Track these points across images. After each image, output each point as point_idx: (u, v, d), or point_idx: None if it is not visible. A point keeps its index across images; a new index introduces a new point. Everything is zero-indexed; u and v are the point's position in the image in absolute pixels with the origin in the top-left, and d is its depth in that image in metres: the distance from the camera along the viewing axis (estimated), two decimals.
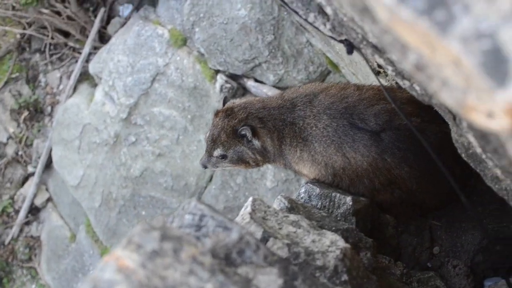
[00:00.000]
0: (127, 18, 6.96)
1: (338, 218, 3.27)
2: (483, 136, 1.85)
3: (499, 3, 1.14)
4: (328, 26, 2.47)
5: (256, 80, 5.94)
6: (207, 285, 1.72)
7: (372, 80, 3.79)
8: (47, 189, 7.76)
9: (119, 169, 6.76)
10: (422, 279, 3.34)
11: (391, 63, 2.27)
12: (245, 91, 6.04)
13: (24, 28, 7.56)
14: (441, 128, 3.12)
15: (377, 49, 2.25)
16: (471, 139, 2.19)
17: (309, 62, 5.69)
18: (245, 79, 5.99)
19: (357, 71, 4.52)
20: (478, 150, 2.29)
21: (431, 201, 3.51)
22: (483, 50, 1.14)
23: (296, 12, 2.48)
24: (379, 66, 3.57)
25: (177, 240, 1.82)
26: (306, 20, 2.46)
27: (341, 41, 2.49)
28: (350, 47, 2.47)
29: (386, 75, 3.80)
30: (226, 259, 2.01)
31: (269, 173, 5.85)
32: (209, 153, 3.70)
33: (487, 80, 1.14)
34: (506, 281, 3.10)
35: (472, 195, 3.54)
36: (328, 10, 2.36)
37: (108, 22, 7.31)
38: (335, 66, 5.56)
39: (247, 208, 2.70)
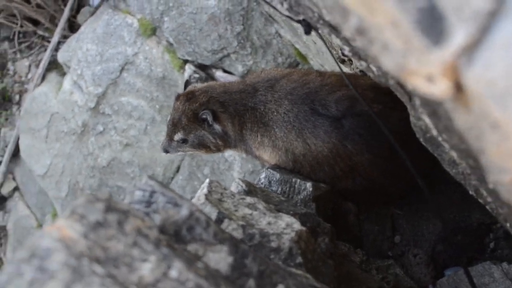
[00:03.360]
0: (97, 7, 6.89)
1: (298, 204, 3.25)
2: (434, 112, 1.83)
3: None
4: (286, 5, 2.45)
5: (225, 71, 5.91)
6: (151, 257, 1.70)
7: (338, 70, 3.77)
8: (14, 179, 7.68)
9: (86, 159, 6.70)
10: (381, 266, 3.33)
11: (347, 42, 2.25)
12: (213, 81, 6.00)
13: None
14: (403, 115, 3.11)
15: (333, 28, 2.23)
16: (426, 119, 2.18)
17: (278, 53, 5.66)
18: (213, 70, 5.95)
19: (324, 62, 4.51)
20: (434, 132, 2.28)
21: (393, 189, 3.49)
22: (419, 7, 1.12)
23: None
24: (344, 54, 3.55)
25: (122, 213, 1.79)
26: None
27: (298, 21, 2.46)
28: (308, 27, 2.45)
29: (351, 64, 3.78)
30: (175, 236, 1.99)
31: (236, 164, 5.82)
32: (170, 137, 3.66)
33: (423, 38, 1.13)
34: (464, 271, 3.09)
35: (436, 184, 3.54)
36: None
37: (78, 11, 7.23)
38: (304, 58, 5.54)
39: (203, 189, 2.68)
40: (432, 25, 1.11)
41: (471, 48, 1.10)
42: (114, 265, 1.63)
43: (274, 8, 2.47)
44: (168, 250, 1.75)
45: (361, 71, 3.59)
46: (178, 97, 3.66)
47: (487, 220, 3.42)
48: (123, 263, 1.65)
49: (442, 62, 1.13)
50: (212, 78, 6.00)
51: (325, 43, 2.80)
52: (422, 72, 1.21)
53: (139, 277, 1.63)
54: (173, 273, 1.68)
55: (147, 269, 1.66)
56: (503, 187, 1.34)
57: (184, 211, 2.03)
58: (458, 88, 1.19)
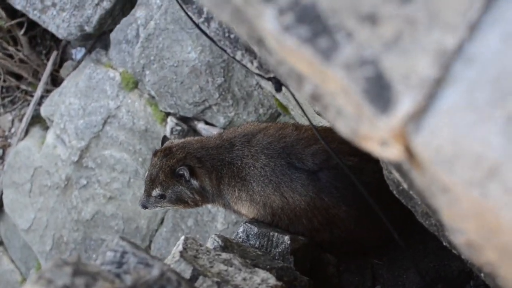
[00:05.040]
0: (80, 61, 6.94)
1: (276, 257, 3.25)
2: (399, 168, 1.86)
3: (381, 31, 1.15)
4: (255, 64, 2.48)
5: (207, 123, 5.94)
6: None
7: (318, 120, 3.80)
8: None
9: (70, 212, 6.69)
10: None
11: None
12: (195, 133, 6.02)
13: None
14: (378, 167, 3.13)
15: (300, 82, 2.26)
16: (395, 174, 2.20)
17: (259, 105, 5.70)
18: (195, 122, 5.98)
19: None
20: (405, 185, 2.30)
21: (371, 239, 3.50)
22: (366, 77, 1.14)
23: (224, 50, 2.49)
24: None
25: (91, 276, 1.79)
26: (233, 58, 2.47)
27: (269, 79, 2.50)
28: (278, 85, 2.48)
29: None
30: None
31: (220, 216, 5.82)
32: (148, 193, 3.68)
33: (371, 107, 1.15)
34: None
35: (414, 233, 3.54)
36: (255, 48, 2.37)
37: (60, 65, 7.27)
38: (285, 108, 5.58)
39: (178, 246, 2.69)
40: (379, 93, 1.13)
41: (418, 115, 1.13)
42: None
43: (245, 66, 2.51)
44: None
45: None
46: (155, 153, 3.69)
47: (467, 268, 3.42)
48: None
49: (391, 129, 1.15)
50: (194, 130, 6.03)
51: (297, 102, 2.83)
52: (375, 137, 1.23)
53: None
54: None
55: None
56: (461, 248, 1.36)
57: (155, 271, 2.03)
58: (410, 153, 1.21)
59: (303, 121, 4.62)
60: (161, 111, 6.11)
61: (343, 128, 1.34)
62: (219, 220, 5.87)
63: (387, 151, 1.25)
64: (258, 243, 3.34)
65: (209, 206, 5.71)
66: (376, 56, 1.14)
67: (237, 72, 5.69)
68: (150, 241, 6.35)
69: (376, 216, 3.05)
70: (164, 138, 3.88)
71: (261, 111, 5.72)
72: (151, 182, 3.64)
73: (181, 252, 2.60)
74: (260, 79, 5.44)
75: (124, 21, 6.27)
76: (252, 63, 2.49)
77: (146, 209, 3.79)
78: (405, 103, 1.12)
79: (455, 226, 1.28)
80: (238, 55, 2.48)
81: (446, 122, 1.11)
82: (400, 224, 3.10)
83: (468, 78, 1.10)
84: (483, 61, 1.10)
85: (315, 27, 1.17)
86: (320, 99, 1.35)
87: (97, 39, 6.80)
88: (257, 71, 2.49)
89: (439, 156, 1.13)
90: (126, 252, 2.10)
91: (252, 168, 3.42)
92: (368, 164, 3.23)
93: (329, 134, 3.23)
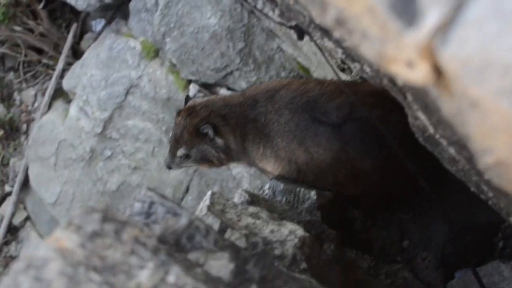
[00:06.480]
0: (100, 33, 6.93)
1: (303, 213, 3.25)
2: (425, 105, 1.84)
3: None
4: (277, 12, 2.46)
5: (229, 88, 5.92)
6: (148, 264, 1.70)
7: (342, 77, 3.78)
8: (25, 208, 7.68)
9: (96, 184, 6.71)
10: (390, 271, 3.32)
11: (339, 44, 2.26)
12: (214, 95, 6.02)
13: None
14: (403, 117, 3.10)
15: (324, 31, 2.24)
16: (421, 116, 2.18)
17: (281, 68, 5.67)
18: (218, 88, 5.97)
19: (326, 73, 4.51)
20: (431, 129, 2.28)
21: (397, 192, 3.48)
22: None
23: (245, 0, 2.47)
24: (343, 62, 3.56)
25: (119, 223, 1.79)
26: (254, 7, 2.45)
27: (291, 27, 2.48)
28: (300, 32, 2.46)
29: (351, 72, 3.79)
30: (176, 245, 1.99)
31: (245, 181, 5.82)
32: (173, 153, 3.66)
33: (397, 21, 1.13)
34: (473, 273, 3.07)
35: (440, 186, 3.52)
36: None
37: (81, 37, 7.27)
38: (307, 71, 5.55)
39: (205, 201, 2.69)
40: (405, 7, 1.11)
41: (445, 27, 1.11)
42: (112, 273, 1.63)
43: (266, 15, 2.49)
44: (166, 256, 1.75)
45: (361, 77, 3.59)
46: (179, 113, 3.67)
47: (495, 219, 3.39)
48: (121, 270, 1.65)
49: (417, 43, 1.13)
50: None
51: (321, 50, 2.81)
52: (401, 58, 1.21)
53: (136, 284, 1.63)
54: (171, 278, 1.67)
55: (144, 276, 1.66)
56: (491, 171, 1.34)
57: (183, 220, 2.03)
58: (438, 71, 1.19)
59: None
60: (182, 78, 6.09)
61: (369, 52, 1.32)
62: (244, 186, 5.87)
63: (414, 73, 1.23)
64: (284, 199, 3.34)
65: (234, 172, 5.73)
66: None
67: (258, 36, 5.66)
68: None
69: (402, 168, 3.04)
70: (187, 98, 3.87)
71: (283, 74, 5.69)
72: (176, 142, 3.62)
73: (208, 206, 2.60)
74: (281, 42, 5.41)
75: None
76: (273, 11, 2.48)
77: (171, 169, 3.79)
78: (432, 15, 1.10)
79: (485, 146, 1.26)
80: (259, 4, 2.46)
81: (473, 32, 1.09)
82: (426, 174, 3.08)
83: None
84: None
85: None
86: (345, 23, 1.33)
87: (117, 9, 6.78)
88: (279, 19, 2.48)
89: (468, 68, 1.11)
90: (154, 202, 2.10)
91: (276, 124, 3.41)
92: (392, 115, 3.19)
93: (352, 88, 3.22)
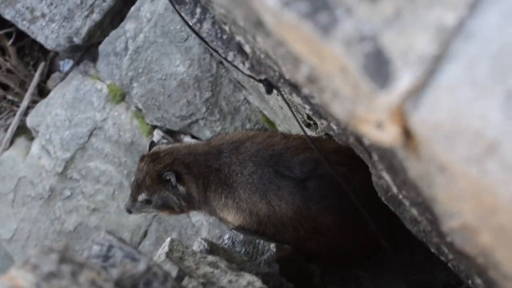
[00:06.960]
0: (68, 73, 6.91)
1: (262, 264, 3.24)
2: (390, 165, 1.85)
3: (381, 7, 1.15)
4: (247, 64, 2.48)
5: (193, 137, 5.93)
6: None
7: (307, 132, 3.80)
8: None
9: (53, 223, 6.64)
10: None
11: (307, 100, 2.28)
12: (179, 143, 6.01)
13: None
14: (366, 177, 3.12)
15: (293, 87, 2.26)
16: (386, 176, 2.20)
17: (246, 120, 5.70)
18: (182, 135, 5.97)
19: (291, 127, 4.54)
20: (395, 189, 2.30)
21: (357, 249, 3.49)
22: (365, 52, 1.14)
23: (216, 51, 2.49)
24: (309, 118, 3.59)
25: (77, 265, 1.77)
26: (225, 58, 2.47)
27: (260, 81, 2.50)
28: (269, 86, 2.48)
29: (316, 128, 3.82)
30: None
31: (204, 230, 5.80)
32: (134, 197, 3.65)
33: (369, 83, 1.15)
34: None
35: (399, 245, 3.53)
36: (247, 48, 2.37)
37: (48, 76, 7.25)
38: (272, 124, 5.58)
39: (164, 248, 2.67)
40: (378, 69, 1.13)
41: (417, 91, 1.13)
42: None
43: (236, 67, 2.51)
44: None
45: (326, 134, 3.62)
46: (142, 158, 3.66)
47: (453, 281, 3.41)
48: None
49: (389, 106, 1.15)
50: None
51: (288, 105, 2.83)
52: (371, 119, 1.22)
53: None
54: None
55: None
56: (455, 234, 1.35)
57: (141, 266, 2.01)
58: (407, 134, 1.21)
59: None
60: (147, 124, 6.09)
61: (339, 111, 1.34)
62: (203, 234, 5.85)
63: (383, 134, 1.24)
64: (243, 250, 3.32)
65: (193, 219, 5.71)
66: (376, 32, 1.14)
67: (225, 87, 5.70)
68: None
69: (363, 226, 3.05)
70: (152, 143, 3.86)
71: (248, 126, 5.72)
72: (137, 187, 3.61)
73: (167, 253, 2.59)
74: (247, 94, 5.45)
75: (113, 33, 6.25)
76: (244, 64, 2.50)
77: (131, 214, 3.76)
78: (405, 79, 1.12)
79: (451, 210, 1.27)
80: (230, 56, 2.48)
81: (445, 98, 1.11)
82: (387, 233, 3.10)
83: (468, 54, 1.10)
84: (483, 38, 1.10)
85: (315, 2, 1.17)
86: (317, 81, 1.34)
87: (86, 51, 6.78)
88: (248, 72, 2.49)
89: (438, 133, 1.13)
90: (113, 246, 2.08)
91: (239, 175, 3.41)
92: (357, 174, 3.22)
93: (318, 144, 3.23)
